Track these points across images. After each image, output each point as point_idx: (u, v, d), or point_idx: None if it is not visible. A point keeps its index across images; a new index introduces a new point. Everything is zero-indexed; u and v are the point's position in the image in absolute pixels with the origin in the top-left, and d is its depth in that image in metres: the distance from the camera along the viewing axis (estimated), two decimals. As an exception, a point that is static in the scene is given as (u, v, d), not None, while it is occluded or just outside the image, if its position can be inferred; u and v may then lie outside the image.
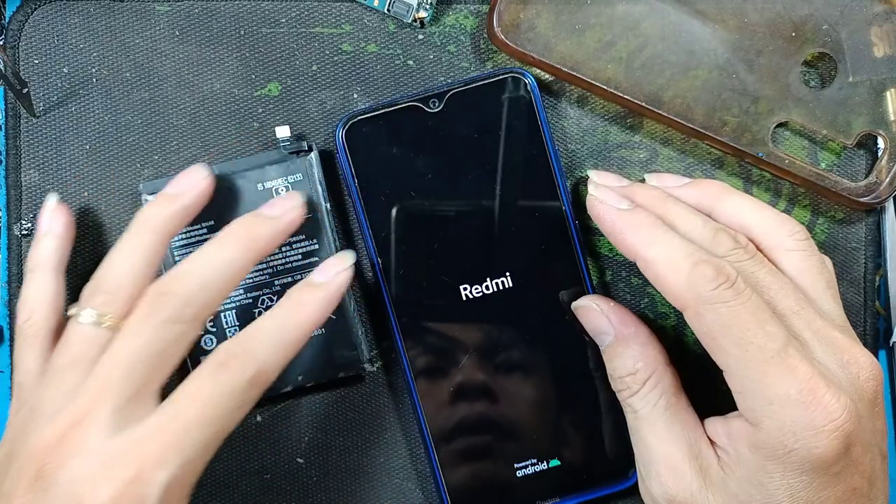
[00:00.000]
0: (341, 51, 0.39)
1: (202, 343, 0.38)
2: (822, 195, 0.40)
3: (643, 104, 0.38)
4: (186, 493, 0.32)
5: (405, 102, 0.38)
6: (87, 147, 0.39)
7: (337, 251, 0.38)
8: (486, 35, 0.39)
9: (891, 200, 0.40)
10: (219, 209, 0.37)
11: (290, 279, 0.38)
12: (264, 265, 0.38)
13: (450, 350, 0.38)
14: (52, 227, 0.37)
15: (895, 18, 0.39)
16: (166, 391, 0.32)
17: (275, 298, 0.38)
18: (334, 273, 0.35)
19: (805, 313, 0.33)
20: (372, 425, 0.40)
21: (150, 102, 0.39)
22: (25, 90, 0.38)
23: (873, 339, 0.41)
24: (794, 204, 0.41)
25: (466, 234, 0.38)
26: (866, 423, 0.32)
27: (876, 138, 0.40)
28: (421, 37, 0.40)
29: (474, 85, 0.38)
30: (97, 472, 0.30)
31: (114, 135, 0.39)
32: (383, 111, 0.38)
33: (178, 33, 0.39)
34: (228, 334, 0.38)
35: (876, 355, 0.41)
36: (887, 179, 0.39)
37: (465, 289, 0.38)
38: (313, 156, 0.38)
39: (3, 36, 0.39)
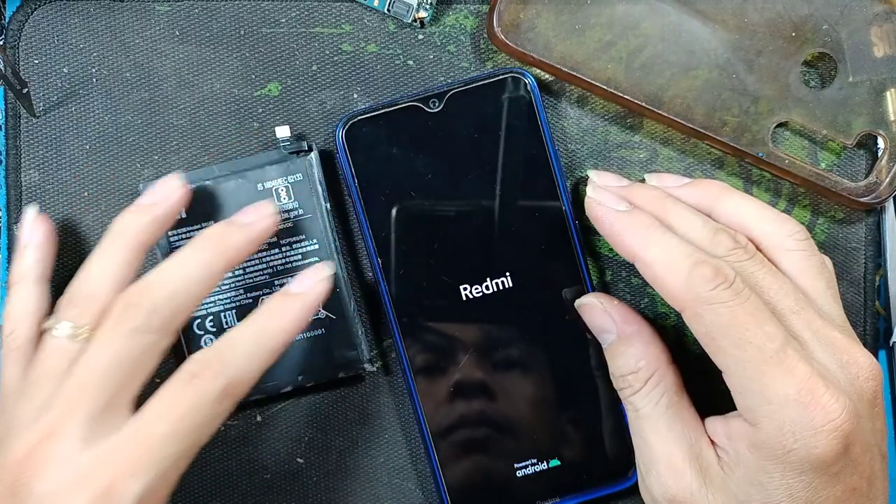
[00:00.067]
0: (341, 51, 0.39)
1: (202, 344, 0.38)
2: (822, 195, 0.40)
3: (643, 104, 0.38)
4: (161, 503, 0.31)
5: (405, 102, 0.38)
6: (87, 147, 0.39)
7: (337, 251, 0.38)
8: (486, 35, 0.39)
9: (891, 200, 0.40)
10: (219, 209, 0.37)
11: (290, 279, 0.38)
12: (264, 265, 0.38)
13: (450, 350, 0.38)
14: (33, 238, 0.37)
15: (895, 18, 0.38)
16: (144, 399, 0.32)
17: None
18: (311, 283, 0.35)
19: (805, 313, 0.33)
20: (372, 425, 0.40)
21: (150, 102, 0.39)
22: (25, 90, 0.38)
23: (873, 339, 0.41)
24: (794, 204, 0.41)
25: (466, 234, 0.38)
26: (865, 424, 0.32)
27: (876, 138, 0.40)
28: (421, 37, 0.40)
29: (474, 85, 0.38)
30: (70, 485, 0.30)
31: (114, 135, 0.39)
32: (383, 111, 0.38)
33: (178, 33, 0.39)
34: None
35: (876, 355, 0.41)
36: (887, 179, 0.39)
37: (465, 289, 0.38)
38: (313, 156, 0.38)
39: (3, 36, 0.39)
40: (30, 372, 0.33)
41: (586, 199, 0.37)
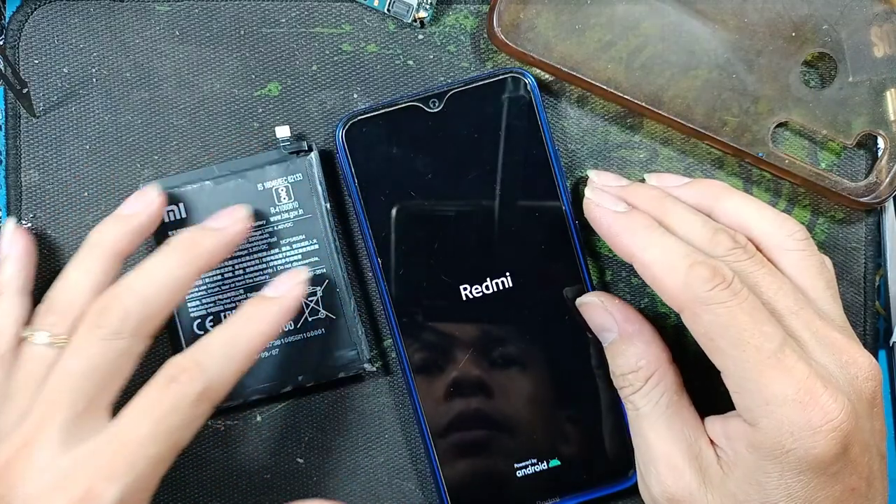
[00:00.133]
0: (341, 51, 0.39)
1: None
2: (822, 195, 0.40)
3: (643, 104, 0.38)
4: None
5: (405, 102, 0.38)
6: (87, 147, 0.39)
7: (337, 251, 0.38)
8: (486, 35, 0.39)
9: (891, 200, 0.40)
10: (219, 209, 0.37)
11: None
12: (264, 265, 0.38)
13: (450, 350, 0.38)
14: (12, 251, 0.37)
15: (895, 18, 0.38)
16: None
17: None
18: (287, 287, 0.35)
19: (804, 313, 0.33)
20: (372, 425, 0.40)
21: (150, 102, 0.39)
22: (25, 90, 0.38)
23: (873, 339, 0.41)
24: (794, 204, 0.41)
25: (466, 234, 0.38)
26: (864, 424, 0.32)
27: (876, 138, 0.40)
28: (421, 37, 0.40)
29: (474, 85, 0.38)
30: (50, 489, 0.30)
31: (114, 135, 0.39)
32: (383, 111, 0.38)
33: (178, 33, 0.39)
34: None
35: (876, 355, 0.41)
36: (887, 179, 0.39)
37: (465, 289, 0.38)
38: (313, 156, 0.38)
39: (3, 36, 0.39)
40: (12, 379, 0.34)
41: (584, 201, 0.37)
